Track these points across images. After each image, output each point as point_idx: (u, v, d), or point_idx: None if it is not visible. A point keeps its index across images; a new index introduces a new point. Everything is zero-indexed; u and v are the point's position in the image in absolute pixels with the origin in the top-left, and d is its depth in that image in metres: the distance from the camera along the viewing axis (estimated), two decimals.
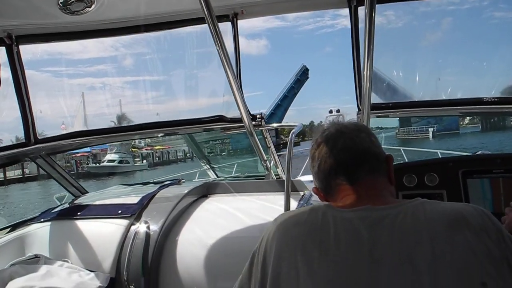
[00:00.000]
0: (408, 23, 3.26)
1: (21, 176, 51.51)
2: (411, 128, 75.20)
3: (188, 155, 70.36)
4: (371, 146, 1.33)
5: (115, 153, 58.13)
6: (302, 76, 62.03)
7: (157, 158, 73.92)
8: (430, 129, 71.07)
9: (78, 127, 3.89)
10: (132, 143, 59.02)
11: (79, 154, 59.43)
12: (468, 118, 71.88)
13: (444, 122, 70.56)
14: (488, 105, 2.80)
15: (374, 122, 3.17)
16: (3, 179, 48.50)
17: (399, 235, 1.11)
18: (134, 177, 43.21)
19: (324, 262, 1.13)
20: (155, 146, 69.69)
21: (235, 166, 6.65)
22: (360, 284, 1.08)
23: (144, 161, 69.50)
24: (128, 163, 59.19)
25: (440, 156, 6.87)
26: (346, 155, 1.30)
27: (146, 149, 72.14)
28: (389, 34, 3.17)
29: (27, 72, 3.14)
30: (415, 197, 1.27)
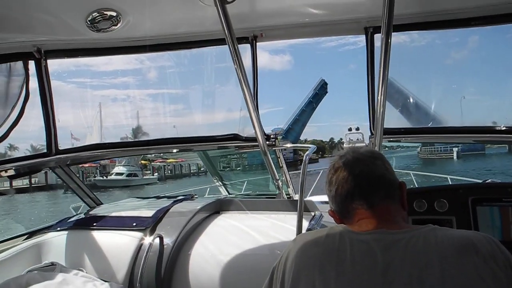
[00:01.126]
0: (431, 43, 3.28)
1: (28, 186, 50.23)
2: (435, 148, 72.35)
3: (202, 169, 68.63)
4: (386, 173, 1.41)
5: (123, 165, 57.06)
6: (321, 90, 61.28)
7: (169, 172, 72.52)
8: (455, 149, 68.02)
9: (94, 138, 3.98)
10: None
11: (87, 165, 55.65)
12: None
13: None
14: (501, 134, 2.84)
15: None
16: (26, 185, 48.22)
17: (410, 258, 1.17)
18: (142, 191, 42.57)
19: (340, 282, 1.21)
20: (168, 159, 68.11)
21: (245, 184, 6.70)
22: None
23: (156, 174, 68.27)
24: (137, 176, 58.58)
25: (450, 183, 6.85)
26: (363, 181, 1.39)
27: (158, 162, 70.57)
28: (408, 55, 3.22)
29: (53, 83, 3.25)
30: (425, 222, 1.36)
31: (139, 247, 2.87)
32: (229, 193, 5.55)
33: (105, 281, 2.73)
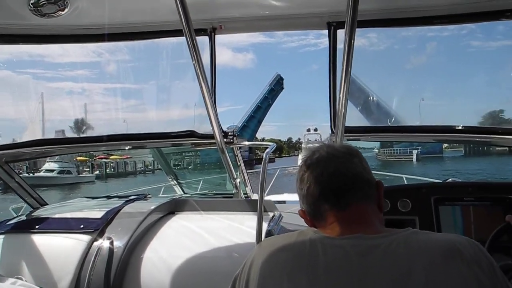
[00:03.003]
0: (390, 47, 3.30)
1: None
2: (393, 149, 71.71)
3: (149, 167, 64.90)
4: (363, 172, 1.30)
5: (55, 162, 50.76)
6: (277, 85, 60.89)
7: (111, 169, 66.33)
8: (415, 151, 67.00)
9: (35, 133, 3.73)
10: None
11: (18, 161, 50.27)
12: None
13: (427, 145, 64.94)
14: (461, 133, 2.84)
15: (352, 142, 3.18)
16: None
17: (391, 265, 1.08)
18: (78, 191, 39.31)
19: None
20: (111, 155, 62.00)
21: (201, 183, 6.53)
22: None
23: (97, 172, 62.91)
24: (71, 173, 52.63)
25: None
26: (338, 179, 1.27)
27: (99, 158, 64.47)
28: (370, 56, 3.20)
29: (4, 73, 2.99)
30: (389, 222, 1.29)
31: (87, 252, 2.66)
32: (184, 193, 5.37)
33: None
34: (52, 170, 50.68)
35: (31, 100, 3.91)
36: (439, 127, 2.98)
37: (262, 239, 2.54)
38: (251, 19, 2.88)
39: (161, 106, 4.04)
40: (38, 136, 3.49)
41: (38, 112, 4.04)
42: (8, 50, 3.25)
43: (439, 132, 2.99)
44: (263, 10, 2.76)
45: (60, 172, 50.79)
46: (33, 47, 3.15)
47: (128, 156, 62.04)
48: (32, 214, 3.31)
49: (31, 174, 49.84)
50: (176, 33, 2.91)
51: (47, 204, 3.73)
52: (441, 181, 3.76)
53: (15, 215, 3.54)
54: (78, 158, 58.65)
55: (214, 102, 2.90)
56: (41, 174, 50.06)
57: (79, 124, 4.29)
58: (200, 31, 2.91)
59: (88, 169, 63.34)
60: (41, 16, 2.54)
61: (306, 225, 1.39)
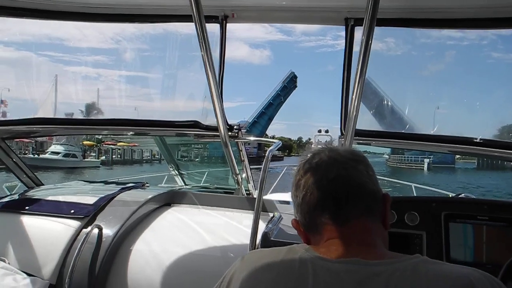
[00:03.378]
0: (407, 53, 3.15)
1: None
2: (405, 157, 68.89)
3: (156, 156, 63.89)
4: (368, 182, 1.13)
5: (61, 144, 50.93)
6: (290, 83, 60.38)
7: (118, 156, 65.95)
8: (426, 160, 64.29)
9: (47, 112, 3.63)
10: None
11: (18, 139, 45.38)
12: None
13: (439, 154, 56.23)
14: (478, 147, 2.67)
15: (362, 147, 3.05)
16: None
17: None
18: (82, 175, 38.30)
19: None
20: (119, 141, 61.57)
21: (205, 175, 6.40)
22: None
23: (103, 157, 62.62)
24: (76, 157, 52.41)
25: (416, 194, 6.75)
26: (338, 188, 1.10)
27: (106, 144, 64.18)
28: (387, 60, 3.06)
29: (23, 54, 2.93)
30: (393, 235, 1.16)
31: (74, 238, 2.56)
32: (185, 184, 5.25)
33: (29, 274, 2.40)
34: (57, 153, 50.66)
35: (46, 82, 3.87)
36: (455, 137, 2.82)
37: (257, 241, 2.41)
38: (265, 9, 2.75)
39: (171, 96, 3.93)
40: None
41: (51, 94, 3.98)
42: (31, 31, 3.24)
43: (454, 143, 2.82)
44: (278, 1, 2.63)
45: (65, 155, 50.68)
46: (53, 29, 3.10)
47: (136, 144, 61.82)
48: (26, 194, 3.21)
49: (36, 156, 50.02)
50: (187, 18, 2.78)
51: (42, 185, 3.64)
52: (453, 194, 3.59)
53: (8, 193, 3.45)
54: (85, 142, 58.62)
55: (220, 94, 2.78)
56: (46, 156, 50.19)
57: (90, 109, 4.20)
58: (211, 18, 2.79)
59: (94, 154, 63.18)
60: None
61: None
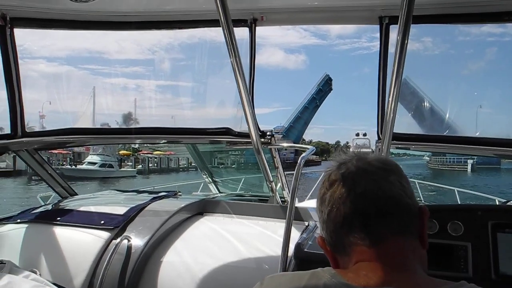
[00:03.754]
0: (445, 51, 2.99)
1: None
2: (447, 158, 65.58)
3: (193, 164, 59.59)
4: (402, 194, 0.99)
5: (98, 154, 51.70)
6: (325, 86, 59.42)
7: (154, 165, 65.92)
8: (470, 161, 61.23)
9: (86, 123, 3.67)
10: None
11: (56, 151, 48.87)
12: None
13: None
14: None
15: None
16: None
17: None
18: (118, 185, 38.00)
19: None
20: (155, 151, 61.98)
21: (241, 182, 6.32)
22: None
23: (140, 166, 62.47)
24: (112, 167, 52.90)
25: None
26: (368, 203, 0.97)
27: (142, 153, 64.77)
28: (424, 60, 2.91)
29: (65, 68, 2.99)
30: (434, 246, 1.05)
31: (104, 250, 2.52)
32: (219, 192, 5.19)
33: (60, 286, 2.36)
34: (94, 163, 51.42)
35: (86, 94, 3.94)
36: (500, 140, 2.63)
37: (290, 252, 2.30)
38: (295, 10, 2.69)
39: (204, 104, 3.91)
40: None
41: (89, 106, 4.04)
42: (70, 46, 3.41)
43: (500, 145, 2.63)
44: (308, 1, 2.56)
45: (101, 166, 51.36)
46: (92, 43, 3.15)
47: (172, 153, 61.55)
48: (59, 205, 3.23)
49: (73, 166, 51.11)
50: (215, 23, 2.72)
51: (76, 195, 3.65)
52: (501, 200, 3.36)
53: (42, 204, 3.48)
54: (121, 152, 59.58)
55: (251, 100, 2.70)
56: (83, 166, 51.06)
57: (126, 119, 4.24)
58: (240, 22, 2.74)
59: (131, 163, 63.63)
60: (74, 1, 2.46)
61: None
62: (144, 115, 4.17)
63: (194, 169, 59.59)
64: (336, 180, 1.03)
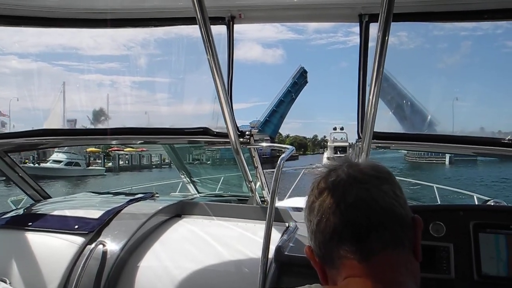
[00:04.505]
0: (420, 46, 2.99)
1: None
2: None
3: (166, 161, 61.15)
4: (394, 204, 0.95)
5: (63, 152, 48.08)
6: (300, 79, 58.45)
7: (126, 162, 63.24)
8: (448, 154, 56.59)
9: (55, 122, 3.54)
10: None
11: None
12: None
13: None
14: (506, 148, 2.47)
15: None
16: None
17: None
18: (85, 184, 37.91)
19: None
20: (126, 147, 57.78)
21: (221, 181, 6.23)
22: None
23: (110, 164, 60.08)
24: (79, 166, 49.94)
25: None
26: (359, 214, 0.92)
27: (113, 150, 61.02)
28: (400, 55, 2.89)
29: (40, 64, 2.99)
30: None
31: (78, 255, 2.43)
32: (198, 192, 5.11)
33: None
34: (59, 161, 48.66)
35: (57, 91, 3.83)
36: (480, 138, 2.63)
37: (270, 255, 2.25)
38: (274, 8, 2.63)
39: (182, 100, 3.84)
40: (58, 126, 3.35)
41: (59, 103, 3.91)
42: (44, 42, 3.30)
43: (480, 144, 2.63)
44: None
45: (67, 164, 48.82)
46: (68, 39, 3.10)
47: (144, 149, 58.38)
48: (31, 209, 3.11)
49: (36, 165, 47.18)
50: (191, 21, 2.66)
51: (49, 197, 3.54)
52: (480, 196, 3.37)
53: (14, 208, 3.35)
54: (89, 149, 56.50)
55: (230, 99, 2.65)
56: (48, 165, 47.86)
57: (100, 116, 4.12)
58: (218, 20, 2.67)
59: (100, 161, 60.58)
60: None
61: None
62: (120, 112, 4.06)
63: (167, 166, 58.67)
64: (325, 188, 0.98)
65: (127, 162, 63.83)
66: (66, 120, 3.70)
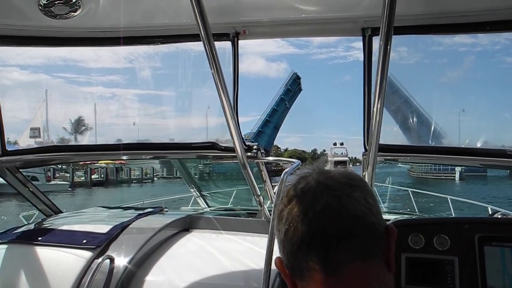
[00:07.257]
0: (419, 61, 3.00)
1: None
2: (431, 166, 58.45)
3: (148, 175, 56.47)
4: (365, 212, 0.91)
5: None
6: (293, 85, 53.22)
7: (101, 176, 57.58)
8: (458, 169, 55.12)
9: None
10: None
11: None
12: None
13: None
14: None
15: None
16: None
17: None
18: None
19: None
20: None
21: (233, 194, 6.21)
22: None
23: (82, 178, 53.17)
24: (37, 180, 39.81)
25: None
26: (328, 223, 0.89)
27: (84, 162, 50.33)
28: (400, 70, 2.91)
29: (40, 76, 2.97)
30: (421, 261, 0.96)
31: (85, 270, 2.45)
32: (208, 206, 5.12)
33: None
34: None
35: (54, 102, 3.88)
36: (487, 150, 2.61)
37: (271, 270, 2.25)
38: (278, 23, 2.67)
39: (189, 114, 3.88)
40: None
41: (43, 113, 3.88)
42: (44, 54, 3.32)
43: (487, 156, 2.61)
44: (292, 14, 2.54)
45: None
46: (68, 51, 3.13)
47: (122, 162, 51.29)
48: (42, 223, 3.16)
49: None
50: (196, 37, 2.69)
51: (61, 212, 3.58)
52: (496, 209, 3.33)
53: (25, 223, 3.41)
54: None
55: (236, 114, 2.68)
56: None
57: (99, 128, 4.15)
58: (222, 36, 2.72)
59: (68, 174, 52.88)
60: (53, 18, 2.43)
61: None
62: (122, 125, 4.12)
63: (150, 181, 54.38)
64: (294, 195, 0.96)
65: (102, 176, 57.82)
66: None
